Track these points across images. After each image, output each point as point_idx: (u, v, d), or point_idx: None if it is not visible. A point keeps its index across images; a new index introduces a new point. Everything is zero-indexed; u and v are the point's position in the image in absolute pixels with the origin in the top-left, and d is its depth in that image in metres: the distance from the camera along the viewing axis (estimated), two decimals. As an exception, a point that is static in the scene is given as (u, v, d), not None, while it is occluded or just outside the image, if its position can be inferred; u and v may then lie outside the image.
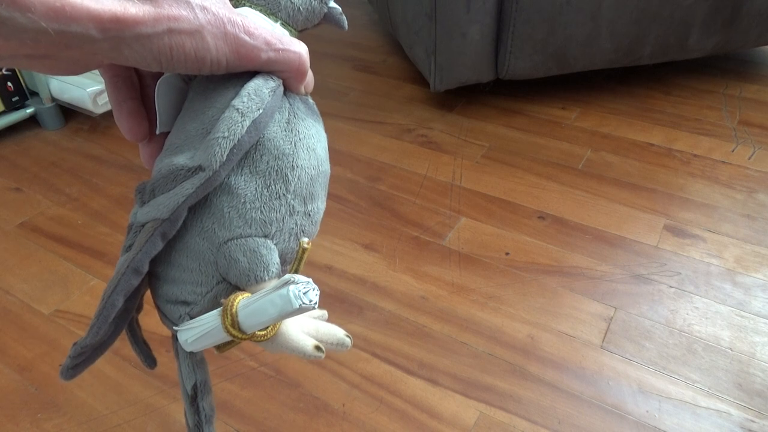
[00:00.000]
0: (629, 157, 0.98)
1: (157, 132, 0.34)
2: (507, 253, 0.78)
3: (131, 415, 0.59)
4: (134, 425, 0.58)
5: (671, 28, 1.04)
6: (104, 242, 0.82)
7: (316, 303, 0.28)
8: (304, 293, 0.28)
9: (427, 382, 0.62)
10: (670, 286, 0.72)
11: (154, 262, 0.31)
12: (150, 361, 0.39)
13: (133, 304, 0.34)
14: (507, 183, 0.93)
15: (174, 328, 0.32)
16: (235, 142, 0.29)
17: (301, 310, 0.28)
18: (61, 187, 0.95)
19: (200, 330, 0.30)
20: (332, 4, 0.35)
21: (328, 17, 0.36)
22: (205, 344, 0.31)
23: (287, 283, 0.28)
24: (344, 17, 0.36)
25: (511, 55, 1.03)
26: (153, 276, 0.33)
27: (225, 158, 0.29)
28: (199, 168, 0.29)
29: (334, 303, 0.71)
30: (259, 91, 0.30)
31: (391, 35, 1.47)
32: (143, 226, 0.31)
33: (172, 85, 0.33)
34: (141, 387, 0.62)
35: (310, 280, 0.29)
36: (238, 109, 0.29)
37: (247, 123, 0.29)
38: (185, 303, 0.31)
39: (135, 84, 0.34)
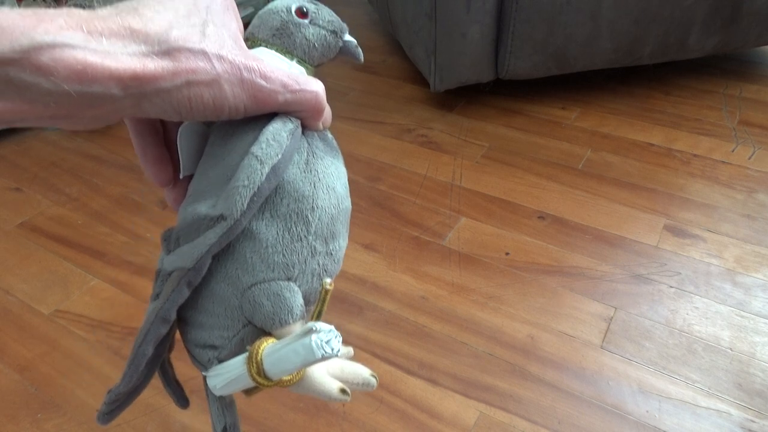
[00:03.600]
0: (629, 157, 0.98)
1: (181, 176, 0.34)
2: (507, 253, 0.78)
3: (131, 415, 0.59)
4: (134, 425, 0.58)
5: (671, 28, 1.04)
6: (104, 242, 0.82)
7: (339, 350, 0.29)
8: (326, 342, 0.28)
9: (427, 382, 0.62)
10: (670, 286, 0.72)
11: (182, 307, 0.32)
12: (182, 402, 0.40)
13: (163, 348, 0.35)
14: (507, 183, 0.93)
15: (203, 373, 0.33)
16: (255, 190, 0.29)
17: (323, 359, 0.28)
18: (61, 187, 0.95)
19: (228, 376, 0.31)
20: (347, 37, 0.35)
21: (344, 50, 0.36)
22: (233, 389, 0.32)
23: (310, 332, 0.28)
24: (360, 50, 0.36)
25: (511, 55, 1.03)
26: (181, 321, 0.33)
27: (245, 207, 0.29)
28: (221, 217, 0.29)
29: (334, 303, 0.71)
30: (277, 135, 0.30)
31: (391, 35, 1.47)
32: (170, 274, 0.31)
33: (194, 130, 0.34)
34: (141, 387, 0.62)
35: (332, 327, 0.29)
36: (257, 157, 0.29)
37: (266, 170, 0.29)
38: (213, 347, 0.32)
39: (158, 130, 0.34)
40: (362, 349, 0.65)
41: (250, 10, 1.47)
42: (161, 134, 0.34)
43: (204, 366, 0.33)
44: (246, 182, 0.29)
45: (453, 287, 0.73)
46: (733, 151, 0.99)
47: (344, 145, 1.02)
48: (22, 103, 0.23)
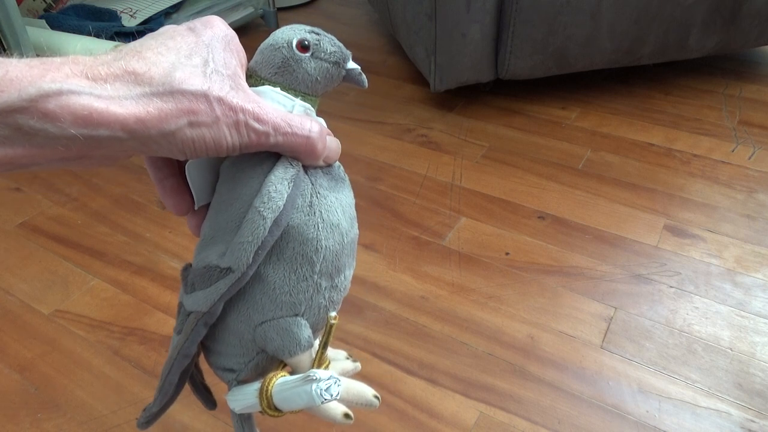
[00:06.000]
0: (629, 157, 0.98)
1: (196, 208, 0.36)
2: (507, 253, 0.78)
3: (131, 415, 0.59)
4: (134, 425, 0.58)
5: (671, 28, 1.04)
6: (104, 242, 0.82)
7: (339, 394, 0.33)
8: (325, 389, 0.32)
9: (427, 382, 0.62)
10: (670, 286, 0.72)
11: (203, 338, 0.35)
12: (210, 405, 0.44)
13: (188, 369, 0.39)
14: (507, 183, 0.93)
15: (225, 395, 0.38)
16: (259, 244, 0.31)
17: (324, 403, 0.32)
18: (61, 187, 0.95)
19: (244, 402, 0.35)
20: (350, 65, 0.35)
21: (348, 78, 0.36)
22: (249, 411, 0.37)
23: (312, 380, 0.32)
24: (364, 76, 0.36)
25: (511, 55, 1.04)
26: (203, 347, 0.37)
27: (251, 260, 0.31)
28: (229, 269, 0.32)
29: (334, 303, 0.71)
30: (279, 185, 0.31)
31: (391, 35, 1.47)
32: (189, 314, 0.35)
33: (201, 163, 0.35)
34: (141, 387, 0.62)
35: (332, 374, 0.33)
36: (259, 212, 0.31)
37: (269, 224, 0.31)
38: (231, 370, 0.36)
39: (173, 162, 0.35)
40: (362, 348, 0.65)
41: (250, 10, 1.47)
42: (176, 166, 0.35)
43: (227, 384, 0.37)
44: (250, 238, 0.31)
45: (453, 287, 0.73)
46: (733, 151, 0.99)
47: (344, 145, 1.02)
48: (32, 148, 0.24)
